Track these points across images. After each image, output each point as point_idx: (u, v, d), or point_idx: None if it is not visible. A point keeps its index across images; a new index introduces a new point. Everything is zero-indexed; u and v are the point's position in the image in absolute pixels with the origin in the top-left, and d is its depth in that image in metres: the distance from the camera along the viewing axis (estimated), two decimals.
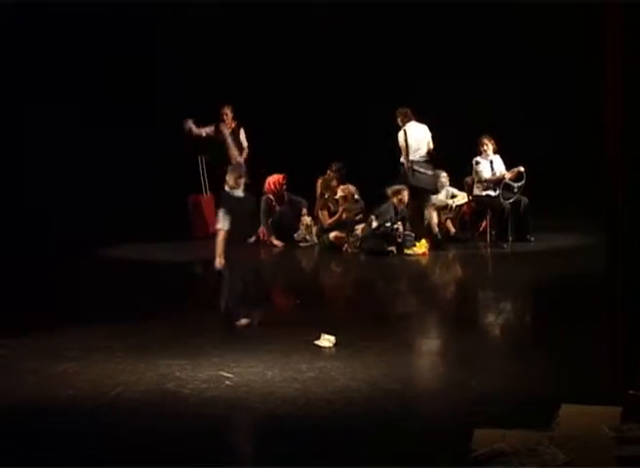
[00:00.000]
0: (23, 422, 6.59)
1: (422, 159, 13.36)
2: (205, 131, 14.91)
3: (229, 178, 9.23)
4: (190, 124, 14.71)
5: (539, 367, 7.55)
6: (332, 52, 16.45)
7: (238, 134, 14.94)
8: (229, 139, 14.76)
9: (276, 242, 13.77)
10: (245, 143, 15.01)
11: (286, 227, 13.95)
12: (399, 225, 12.85)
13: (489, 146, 13.39)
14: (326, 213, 13.70)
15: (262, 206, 13.77)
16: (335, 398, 6.88)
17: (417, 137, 13.28)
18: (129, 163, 16.25)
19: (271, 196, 13.95)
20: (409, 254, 12.77)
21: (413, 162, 13.23)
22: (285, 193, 14.06)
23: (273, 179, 14.01)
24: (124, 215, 15.17)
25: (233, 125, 14.96)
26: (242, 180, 9.23)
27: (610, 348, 7.27)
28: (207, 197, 15.18)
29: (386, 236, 12.82)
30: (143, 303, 10.24)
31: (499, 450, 5.49)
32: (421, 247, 12.89)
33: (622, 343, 7.11)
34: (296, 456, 5.82)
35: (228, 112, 14.87)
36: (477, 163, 13.41)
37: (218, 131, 14.87)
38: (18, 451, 6.03)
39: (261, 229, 13.91)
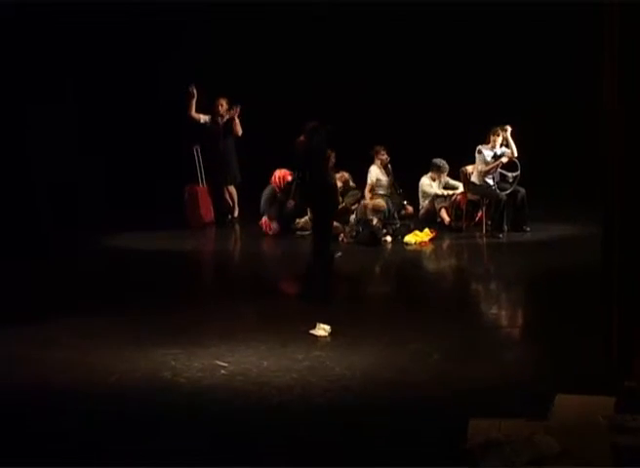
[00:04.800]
0: (21, 410, 6.60)
1: None
2: (202, 118, 14.92)
3: None
4: (194, 90, 14.69)
5: (534, 356, 7.58)
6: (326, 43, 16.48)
7: (233, 124, 14.93)
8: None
9: (274, 226, 13.66)
10: (240, 131, 14.99)
11: (287, 217, 13.88)
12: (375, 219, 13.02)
13: (499, 138, 13.27)
14: None
15: (267, 194, 13.70)
16: (330, 387, 6.90)
17: None
18: (127, 153, 16.30)
19: (277, 189, 13.81)
20: (407, 244, 12.76)
21: None
22: (290, 187, 13.89)
23: (280, 174, 13.85)
24: (123, 205, 15.21)
25: (228, 116, 14.95)
26: None
27: (605, 338, 7.29)
28: (202, 188, 15.17)
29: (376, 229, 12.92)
30: (140, 293, 10.25)
31: (494, 440, 5.50)
32: (423, 236, 12.88)
33: (618, 333, 7.13)
34: (291, 445, 5.84)
35: (224, 103, 14.85)
36: (479, 152, 13.35)
37: (213, 122, 14.88)
38: (15, 439, 6.04)
39: (264, 220, 13.81)
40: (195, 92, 14.72)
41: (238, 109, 14.64)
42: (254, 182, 14.48)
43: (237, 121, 14.87)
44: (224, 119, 14.84)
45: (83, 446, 5.93)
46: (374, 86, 16.29)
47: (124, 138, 16.46)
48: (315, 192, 10.59)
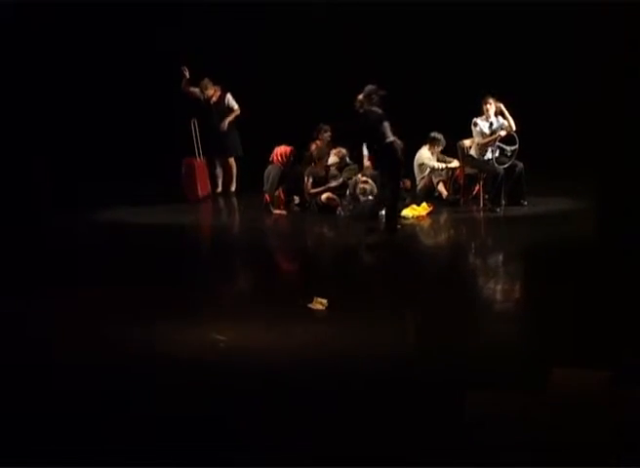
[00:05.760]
0: (18, 386, 6.60)
1: None
2: (197, 92, 14.98)
3: None
4: (186, 72, 14.80)
5: (530, 329, 7.58)
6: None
7: (223, 100, 15.00)
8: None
9: (278, 211, 13.56)
10: (235, 106, 15.02)
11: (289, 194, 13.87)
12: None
13: (492, 106, 13.24)
14: (311, 180, 13.60)
15: (273, 174, 13.57)
16: (329, 360, 6.89)
17: None
18: (125, 125, 16.31)
19: (282, 167, 13.65)
20: (404, 218, 12.75)
21: None
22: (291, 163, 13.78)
23: (281, 151, 13.69)
24: (120, 178, 15.23)
25: (218, 93, 15.01)
26: None
27: (602, 312, 7.31)
28: (200, 161, 15.17)
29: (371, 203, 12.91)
30: (139, 267, 10.25)
31: (491, 413, 5.51)
32: (421, 210, 12.88)
33: (615, 307, 7.14)
34: (289, 418, 5.85)
35: (207, 85, 14.93)
36: (475, 124, 13.30)
37: (206, 99, 15.00)
38: (17, 417, 6.05)
39: (267, 197, 13.73)
40: (187, 73, 14.83)
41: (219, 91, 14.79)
42: (250, 157, 14.50)
43: (228, 97, 14.95)
44: (213, 100, 14.95)
45: (80, 425, 5.94)
46: (371, 60, 16.21)
47: (121, 112, 16.45)
48: (381, 155, 11.76)
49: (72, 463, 5.20)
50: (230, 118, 14.98)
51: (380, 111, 11.78)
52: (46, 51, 15.85)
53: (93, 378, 6.67)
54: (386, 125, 11.62)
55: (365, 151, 13.57)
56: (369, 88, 11.89)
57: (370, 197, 12.83)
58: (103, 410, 6.07)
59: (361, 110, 11.87)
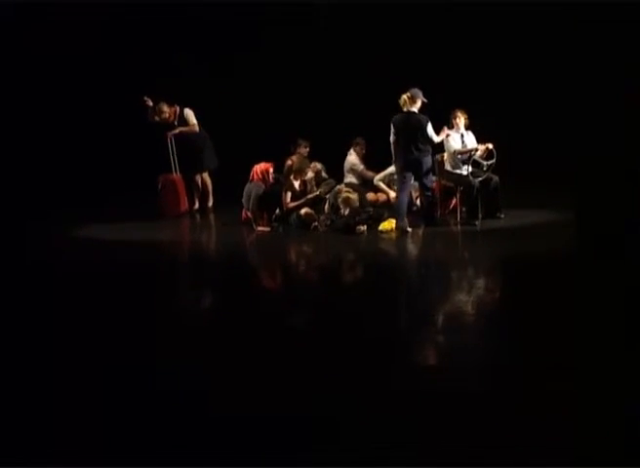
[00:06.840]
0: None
1: None
2: (157, 118, 15.10)
3: None
4: (149, 102, 14.90)
5: (509, 342, 7.62)
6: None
7: (183, 116, 15.09)
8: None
9: (261, 228, 13.57)
10: (192, 121, 15.08)
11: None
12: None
13: (461, 119, 13.35)
14: (290, 194, 13.62)
15: (254, 192, 13.54)
16: (313, 374, 6.89)
17: None
18: (99, 143, 16.33)
19: (263, 184, 13.65)
20: (381, 231, 12.81)
21: None
22: (271, 180, 13.78)
23: (261, 168, 13.69)
24: (94, 195, 15.20)
25: (177, 111, 15.10)
26: None
27: (580, 322, 7.38)
28: (177, 177, 15.22)
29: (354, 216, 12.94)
30: (118, 285, 10.24)
31: None
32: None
33: (593, 317, 7.21)
34: (287, 420, 5.87)
35: (164, 109, 14.99)
36: (447, 136, 13.39)
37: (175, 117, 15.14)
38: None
39: (247, 214, 13.73)
40: (150, 102, 14.93)
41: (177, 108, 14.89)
42: (226, 172, 14.53)
43: (186, 112, 15.04)
44: (171, 120, 15.04)
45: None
46: (350, 72, 16.33)
47: (95, 127, 16.50)
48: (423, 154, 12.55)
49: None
50: (175, 131, 15.03)
51: (420, 114, 12.50)
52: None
53: (83, 399, 6.67)
54: (430, 127, 12.45)
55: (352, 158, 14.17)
56: (415, 90, 12.56)
57: (348, 210, 12.91)
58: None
59: (404, 109, 12.49)
